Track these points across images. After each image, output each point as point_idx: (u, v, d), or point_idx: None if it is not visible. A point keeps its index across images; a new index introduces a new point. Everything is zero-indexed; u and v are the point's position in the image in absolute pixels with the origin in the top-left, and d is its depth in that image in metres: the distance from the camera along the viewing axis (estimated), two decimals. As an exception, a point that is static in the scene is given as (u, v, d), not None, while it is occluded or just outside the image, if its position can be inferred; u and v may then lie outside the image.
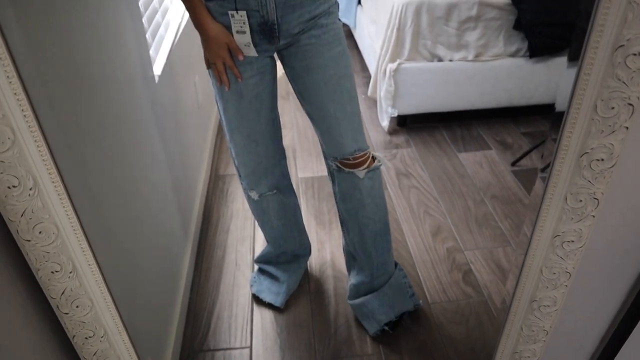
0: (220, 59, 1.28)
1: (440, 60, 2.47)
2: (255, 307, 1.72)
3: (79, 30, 1.03)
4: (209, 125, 2.60)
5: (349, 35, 3.94)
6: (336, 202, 1.55)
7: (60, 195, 0.71)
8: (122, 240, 1.17)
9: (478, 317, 1.64)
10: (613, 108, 0.69)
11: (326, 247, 1.96)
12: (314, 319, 1.67)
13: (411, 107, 2.58)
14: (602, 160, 0.71)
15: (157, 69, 1.66)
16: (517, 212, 2.07)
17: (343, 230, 1.60)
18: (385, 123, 2.64)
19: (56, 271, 0.74)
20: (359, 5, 3.26)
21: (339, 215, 1.58)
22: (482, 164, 2.39)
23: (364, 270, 1.60)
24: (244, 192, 1.61)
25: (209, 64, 1.33)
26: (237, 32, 1.23)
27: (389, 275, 1.61)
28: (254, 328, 1.65)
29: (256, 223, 1.87)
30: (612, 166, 0.73)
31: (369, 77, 2.92)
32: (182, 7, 1.35)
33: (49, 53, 0.87)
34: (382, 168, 1.48)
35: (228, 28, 1.24)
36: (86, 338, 0.81)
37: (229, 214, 2.16)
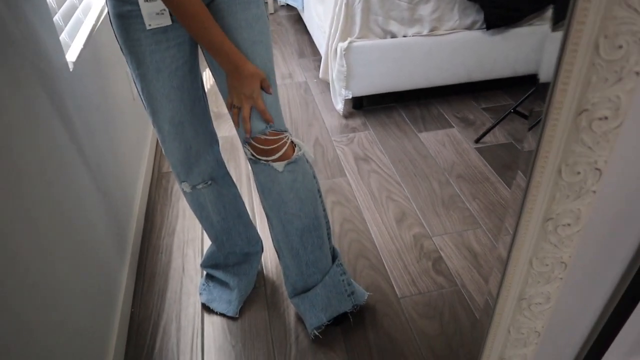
0: (250, 101, 1.13)
1: (393, 36, 2.32)
2: (206, 317, 1.53)
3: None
4: (149, 120, 2.38)
5: (298, 19, 3.76)
6: (258, 194, 1.35)
7: None
8: (34, 254, 0.97)
9: (453, 309, 1.50)
10: (579, 173, 0.58)
11: (283, 244, 1.78)
12: (272, 325, 1.50)
13: (366, 87, 2.42)
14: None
15: (72, 55, 1.45)
16: (485, 192, 1.94)
17: (268, 225, 1.40)
18: (339, 106, 2.47)
19: None
20: (306, -15, 3.08)
21: (263, 208, 1.38)
22: (445, 143, 2.25)
23: (292, 268, 1.42)
24: (178, 185, 1.42)
25: (231, 107, 1.17)
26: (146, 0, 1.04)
27: (323, 274, 1.42)
28: (204, 342, 1.46)
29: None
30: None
31: (320, 60, 2.74)
32: None
33: None
34: (308, 157, 1.28)
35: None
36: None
37: (174, 214, 1.96)
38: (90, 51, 1.61)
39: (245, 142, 1.21)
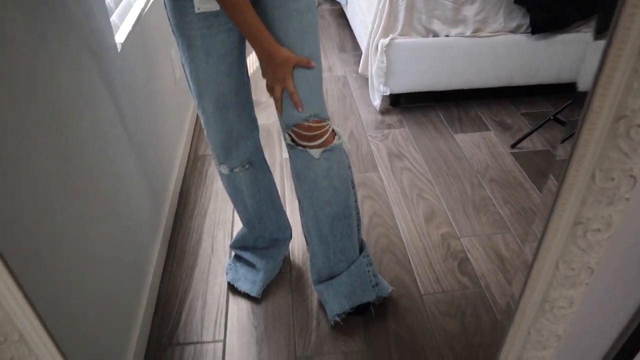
0: (282, 83, 1.17)
1: (435, 35, 2.31)
2: (231, 298, 1.57)
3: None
4: (189, 103, 2.43)
5: (341, 13, 3.78)
6: (293, 180, 1.39)
7: None
8: (77, 224, 1.02)
9: (475, 310, 1.50)
10: (613, 179, 0.59)
11: (311, 233, 1.81)
12: (295, 310, 1.52)
13: (404, 85, 2.42)
14: None
15: (121, 37, 1.50)
16: (518, 197, 1.92)
17: (300, 210, 1.44)
18: (377, 102, 2.48)
19: None
20: (351, -20, 3.09)
21: (296, 194, 1.42)
22: (480, 145, 2.23)
23: (319, 255, 1.45)
24: (215, 167, 1.46)
25: (269, 89, 1.22)
26: None
27: (349, 262, 1.44)
28: (228, 320, 1.50)
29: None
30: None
31: (360, 55, 2.75)
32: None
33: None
34: (345, 146, 1.31)
35: None
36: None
37: (207, 196, 2.01)
38: (137, 34, 1.65)
39: (288, 128, 1.25)
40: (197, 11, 1.13)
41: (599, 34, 0.54)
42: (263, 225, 1.58)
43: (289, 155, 1.32)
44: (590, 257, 0.68)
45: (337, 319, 1.44)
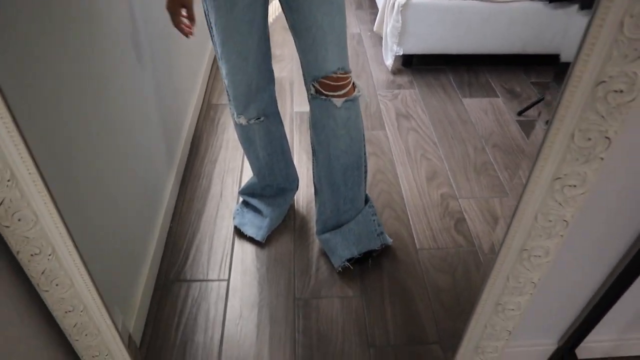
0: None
1: (453, -3, 2.32)
2: (237, 241, 1.66)
3: None
4: (204, 53, 2.47)
5: (360, -32, 3.73)
6: (309, 130, 1.45)
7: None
8: (94, 151, 1.09)
9: (466, 267, 1.58)
10: (590, 139, 0.64)
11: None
12: (296, 256, 1.61)
13: (418, 46, 2.44)
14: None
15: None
16: (518, 164, 1.97)
17: (313, 160, 1.51)
18: (389, 62, 2.51)
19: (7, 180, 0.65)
20: None
21: (311, 144, 1.48)
22: (487, 111, 2.27)
23: (328, 204, 1.53)
24: (232, 118, 1.51)
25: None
26: None
27: (357, 212, 1.54)
28: (233, 262, 1.59)
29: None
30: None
31: (377, 13, 2.76)
32: None
33: None
34: (362, 99, 1.38)
35: None
36: (31, 255, 0.73)
37: (218, 144, 2.07)
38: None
39: (315, 79, 1.31)
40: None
41: (583, 8, 0.59)
42: (273, 175, 1.65)
43: (310, 106, 1.38)
44: (566, 211, 0.74)
45: (346, 264, 1.53)
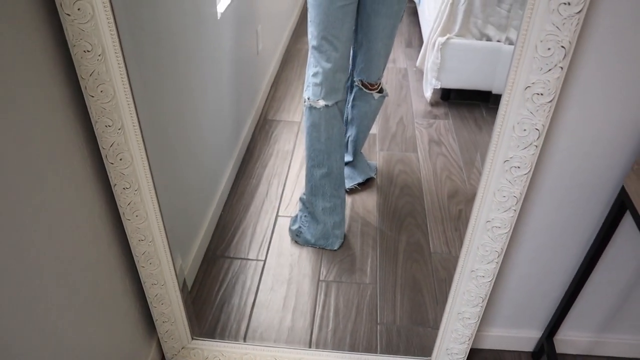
0: None
1: (489, 39, 2.57)
2: (276, 231, 1.94)
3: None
4: (265, 75, 2.81)
5: (414, 11, 4.05)
6: (348, 109, 2.04)
7: (121, 69, 0.93)
8: (173, 141, 1.41)
9: (471, 269, 1.79)
10: (549, 49, 0.85)
11: (348, 195, 2.15)
12: (325, 248, 1.87)
13: (454, 81, 2.70)
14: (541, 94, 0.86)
15: (221, 7, 1.88)
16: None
17: (345, 129, 2.07)
18: (428, 94, 2.77)
19: (108, 126, 0.97)
20: (426, -18, 3.38)
21: (347, 118, 2.06)
22: (513, 143, 2.48)
23: (348, 154, 2.18)
24: (306, 107, 1.74)
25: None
26: None
27: (358, 155, 2.21)
28: (270, 246, 1.87)
29: (292, 164, 2.20)
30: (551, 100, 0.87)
31: (423, 50, 3.04)
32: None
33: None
34: (386, 94, 2.01)
35: None
36: (123, 188, 1.04)
37: (269, 153, 2.38)
38: (233, 7, 2.03)
39: (360, 79, 1.91)
40: None
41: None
42: (329, 162, 1.84)
43: (354, 95, 1.99)
44: (537, 120, 0.93)
45: (355, 186, 2.17)
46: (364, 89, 1.93)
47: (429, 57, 2.72)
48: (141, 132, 1.01)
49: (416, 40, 3.62)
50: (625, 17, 0.91)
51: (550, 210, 1.17)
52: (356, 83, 1.93)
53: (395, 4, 1.68)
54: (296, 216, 1.97)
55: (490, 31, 2.55)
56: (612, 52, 0.95)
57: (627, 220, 1.19)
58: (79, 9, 0.87)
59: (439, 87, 2.70)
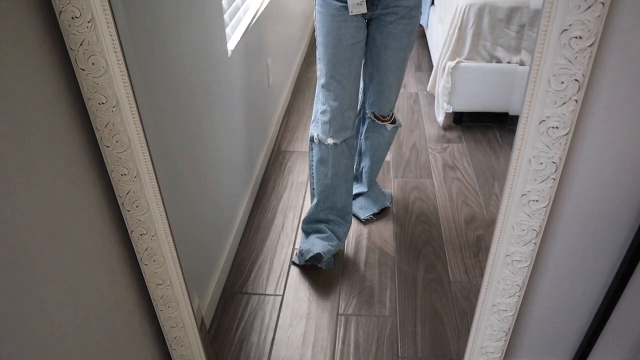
0: None
1: (498, 61, 2.57)
2: (292, 267, 1.93)
3: (170, 3, 1.27)
4: (277, 106, 2.83)
5: (423, 35, 4.07)
6: (361, 140, 2.08)
7: (135, 119, 0.94)
8: (187, 182, 1.41)
9: (493, 297, 1.76)
10: (562, 82, 0.84)
11: (364, 225, 2.14)
12: (343, 281, 1.86)
13: (466, 104, 2.69)
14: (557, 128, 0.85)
15: (231, 45, 1.90)
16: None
17: (359, 160, 2.15)
18: (440, 118, 2.77)
19: (123, 174, 0.97)
20: (432, 6, 3.40)
21: (360, 149, 2.11)
22: (529, 165, 2.46)
23: (360, 183, 2.21)
24: (313, 141, 1.83)
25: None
26: None
27: (373, 185, 2.21)
28: (288, 281, 1.86)
29: (307, 195, 2.20)
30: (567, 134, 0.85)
31: (433, 74, 3.05)
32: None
33: (144, 19, 1.11)
34: (399, 124, 2.03)
35: None
36: (140, 234, 1.04)
37: (283, 185, 2.38)
38: (243, 43, 2.06)
39: (372, 112, 1.92)
40: (350, 14, 1.58)
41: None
42: (334, 197, 1.91)
43: (367, 127, 2.00)
44: (554, 153, 0.93)
45: (370, 216, 2.15)
46: (377, 121, 1.94)
47: (439, 81, 2.72)
48: (156, 178, 1.02)
49: (426, 63, 3.63)
50: (637, 47, 0.90)
51: (571, 241, 1.15)
52: (368, 115, 1.95)
53: (405, 37, 1.69)
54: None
55: (500, 53, 2.55)
56: (627, 82, 0.94)
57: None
58: (93, 64, 0.88)
59: (450, 110, 2.70)
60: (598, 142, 1.01)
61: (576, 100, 0.86)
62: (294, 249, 2.01)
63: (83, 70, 0.88)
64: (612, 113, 0.97)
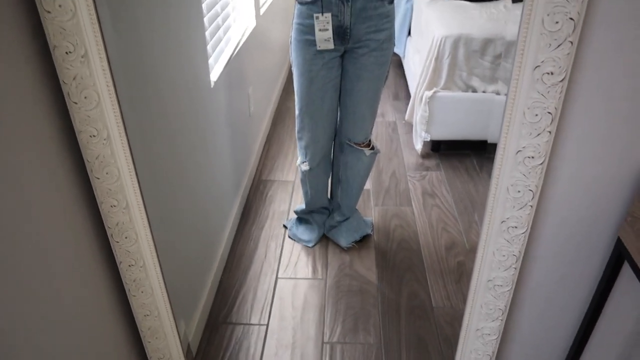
0: None
1: (474, 91, 2.65)
2: (276, 294, 1.93)
3: (157, 39, 1.30)
4: (258, 135, 2.86)
5: (400, 64, 4.17)
6: (339, 167, 2.11)
7: (125, 151, 0.96)
8: (172, 212, 1.42)
9: (475, 322, 1.79)
10: (537, 115, 0.89)
11: (346, 253, 2.16)
12: (328, 308, 1.87)
13: (443, 133, 2.76)
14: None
15: (214, 75, 1.94)
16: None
17: (338, 187, 2.17)
18: (418, 147, 2.83)
19: (113, 206, 0.99)
20: (409, 36, 3.49)
21: (339, 177, 2.13)
22: (505, 191, 2.52)
23: (343, 210, 2.21)
24: (298, 166, 2.05)
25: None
26: (320, 30, 1.63)
27: (353, 212, 2.24)
28: (272, 310, 1.86)
29: (287, 224, 2.29)
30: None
31: (411, 104, 3.12)
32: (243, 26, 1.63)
33: (134, 53, 1.14)
34: (378, 150, 2.07)
35: (312, 27, 1.65)
36: (129, 265, 1.05)
37: (265, 214, 2.40)
38: (225, 74, 2.09)
39: (350, 140, 1.97)
40: (317, 49, 1.66)
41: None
42: (316, 203, 2.23)
43: (344, 152, 2.03)
44: (530, 181, 0.95)
45: (352, 244, 2.17)
46: (355, 146, 1.99)
47: (417, 110, 2.79)
48: (145, 209, 1.03)
49: (403, 92, 3.71)
50: (606, 83, 0.95)
51: (550, 265, 1.19)
52: (345, 142, 2.01)
53: (377, 68, 1.76)
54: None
55: (475, 82, 2.63)
56: (598, 113, 0.99)
57: (626, 271, 1.21)
58: (85, 97, 0.90)
59: (428, 139, 2.76)
60: (572, 170, 1.06)
61: (550, 132, 0.91)
62: (277, 278, 2.01)
63: (75, 103, 0.90)
64: (584, 143, 1.03)
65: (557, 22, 0.83)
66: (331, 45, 1.66)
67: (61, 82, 0.89)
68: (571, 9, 0.81)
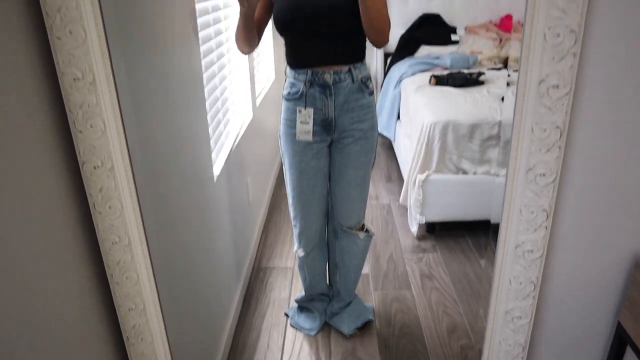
0: None
1: (465, 173, 2.75)
2: None
3: (167, 140, 1.38)
4: (256, 223, 2.91)
5: (390, 147, 4.30)
6: (335, 253, 2.13)
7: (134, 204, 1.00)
8: (176, 301, 1.44)
9: (483, 410, 1.77)
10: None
11: (348, 340, 2.15)
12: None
13: (438, 214, 2.83)
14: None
15: (217, 170, 2.01)
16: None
17: (336, 273, 2.18)
18: (414, 229, 2.88)
19: (114, 243, 1.00)
20: (398, 121, 3.64)
21: (336, 262, 2.15)
22: (502, 271, 2.55)
23: (341, 297, 2.22)
24: (295, 252, 2.08)
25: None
26: (301, 122, 1.72)
27: (352, 298, 2.25)
28: (277, 403, 1.83)
29: (289, 313, 2.30)
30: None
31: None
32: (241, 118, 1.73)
33: (149, 129, 1.21)
34: (372, 233, 2.11)
35: (294, 121, 1.76)
36: (130, 309, 1.05)
37: (266, 302, 2.40)
38: (226, 167, 2.17)
39: (342, 226, 2.01)
40: (297, 139, 1.76)
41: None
42: (315, 289, 2.24)
43: (339, 237, 2.06)
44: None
45: (355, 331, 2.16)
46: (349, 231, 2.03)
47: (411, 194, 2.87)
48: (147, 246, 1.04)
49: (395, 173, 3.81)
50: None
51: (554, 353, 1.21)
52: (338, 227, 2.05)
53: (363, 156, 1.85)
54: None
55: (465, 165, 2.73)
56: (592, 201, 1.06)
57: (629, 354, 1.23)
58: (91, 126, 0.92)
59: (423, 221, 2.82)
60: (568, 264, 1.11)
61: (546, 229, 0.97)
62: (281, 369, 2.00)
63: (81, 132, 0.92)
64: (575, 237, 1.08)
65: (558, 35, 0.86)
66: (310, 138, 1.76)
67: (67, 110, 0.90)
68: (571, 21, 0.84)
